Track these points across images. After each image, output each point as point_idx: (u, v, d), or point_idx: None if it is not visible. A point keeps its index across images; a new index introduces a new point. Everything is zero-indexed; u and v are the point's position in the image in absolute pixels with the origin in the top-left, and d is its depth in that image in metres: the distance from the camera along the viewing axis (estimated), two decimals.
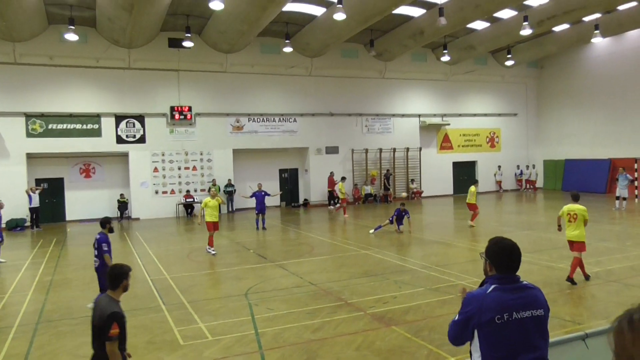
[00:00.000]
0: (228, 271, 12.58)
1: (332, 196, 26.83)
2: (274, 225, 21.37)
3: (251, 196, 20.50)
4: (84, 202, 24.48)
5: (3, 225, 17.30)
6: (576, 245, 10.07)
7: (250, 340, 7.47)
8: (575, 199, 10.51)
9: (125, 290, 4.77)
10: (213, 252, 14.53)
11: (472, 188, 18.80)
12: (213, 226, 14.71)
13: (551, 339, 4.09)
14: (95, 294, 10.66)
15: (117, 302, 4.65)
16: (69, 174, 24.53)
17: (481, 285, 3.32)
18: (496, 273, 3.21)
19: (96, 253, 9.07)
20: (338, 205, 24.54)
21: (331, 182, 27.21)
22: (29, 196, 21.69)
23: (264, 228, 19.42)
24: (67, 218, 24.36)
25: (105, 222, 9.23)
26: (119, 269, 4.74)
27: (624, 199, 21.25)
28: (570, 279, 9.98)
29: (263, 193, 19.77)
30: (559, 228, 10.76)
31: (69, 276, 12.61)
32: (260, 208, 19.46)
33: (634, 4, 23.04)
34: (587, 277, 10.19)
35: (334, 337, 7.47)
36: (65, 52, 22.78)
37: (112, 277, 4.71)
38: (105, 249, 8.93)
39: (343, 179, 24.68)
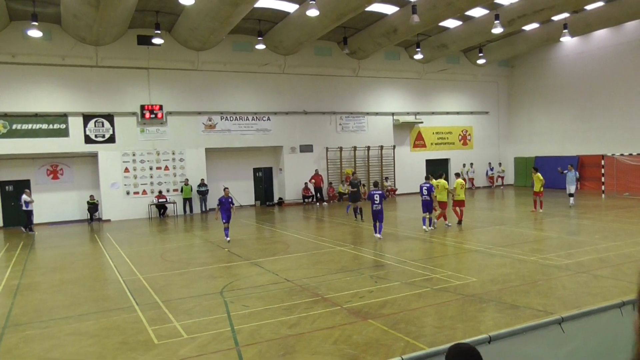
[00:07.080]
0: (202, 270, 12.38)
1: (320, 193, 27.83)
2: (248, 225, 21.19)
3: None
4: (52, 205, 23.81)
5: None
6: (441, 204, 17.00)
7: (227, 337, 7.34)
8: (440, 177, 17.68)
9: None
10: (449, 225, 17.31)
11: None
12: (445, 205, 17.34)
13: (527, 324, 4.10)
14: (65, 296, 10.38)
15: None
16: (36, 176, 23.81)
17: None
18: None
19: (425, 193, 16.23)
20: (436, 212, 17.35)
21: (318, 180, 27.75)
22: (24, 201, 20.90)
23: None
24: (35, 221, 23.61)
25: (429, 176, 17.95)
26: None
27: (572, 195, 21.81)
28: (446, 222, 17.37)
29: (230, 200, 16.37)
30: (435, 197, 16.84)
31: (37, 279, 12.23)
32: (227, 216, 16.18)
33: (600, 4, 23.64)
34: (448, 225, 17.16)
35: (311, 332, 7.40)
36: (29, 50, 22.09)
37: None
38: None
39: (457, 175, 19.44)
